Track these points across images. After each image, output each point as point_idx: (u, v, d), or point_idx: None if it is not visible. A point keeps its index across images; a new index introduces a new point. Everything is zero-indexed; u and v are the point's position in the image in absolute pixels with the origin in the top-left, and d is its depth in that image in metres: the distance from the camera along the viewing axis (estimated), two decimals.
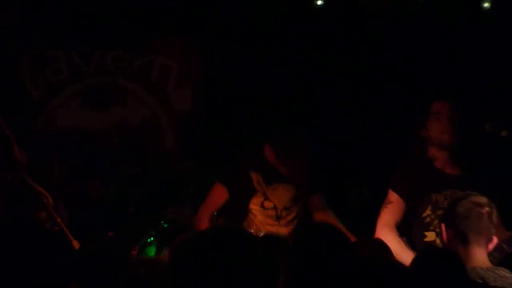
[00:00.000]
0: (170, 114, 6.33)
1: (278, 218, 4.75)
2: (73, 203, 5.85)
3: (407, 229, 4.60)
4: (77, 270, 3.43)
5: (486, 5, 5.88)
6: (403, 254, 3.93)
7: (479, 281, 3.28)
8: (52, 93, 6.26)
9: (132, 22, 6.07)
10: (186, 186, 5.83)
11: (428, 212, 4.58)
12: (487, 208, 3.64)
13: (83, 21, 6.02)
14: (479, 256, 3.43)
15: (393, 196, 4.57)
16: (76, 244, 4.06)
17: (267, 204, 4.71)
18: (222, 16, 6.03)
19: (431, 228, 4.52)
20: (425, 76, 6.05)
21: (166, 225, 5.33)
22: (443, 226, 3.67)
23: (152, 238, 5.28)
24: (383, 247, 4.00)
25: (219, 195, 4.90)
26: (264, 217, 4.69)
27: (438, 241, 4.50)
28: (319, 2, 5.80)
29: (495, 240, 3.63)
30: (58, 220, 4.17)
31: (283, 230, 4.65)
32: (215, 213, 4.76)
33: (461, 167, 4.62)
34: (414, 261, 3.28)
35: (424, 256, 3.35)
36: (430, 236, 4.52)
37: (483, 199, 3.68)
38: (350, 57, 6.08)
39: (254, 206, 4.65)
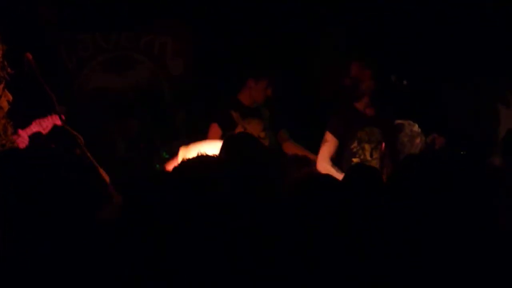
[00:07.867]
0: (168, 77, 6.91)
1: None
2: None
3: (338, 158, 5.32)
4: None
5: None
6: (339, 176, 4.20)
7: None
8: (83, 65, 6.89)
9: (138, 11, 6.58)
10: (180, 129, 6.55)
11: (355, 145, 5.36)
12: (418, 139, 4.34)
13: (103, 11, 6.57)
14: None
15: (329, 136, 5.31)
16: (102, 172, 4.26)
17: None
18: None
19: (357, 156, 5.33)
20: None
21: (167, 156, 5.88)
22: (383, 144, 4.36)
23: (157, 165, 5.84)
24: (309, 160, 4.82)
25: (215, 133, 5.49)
26: None
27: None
28: None
29: None
30: (88, 154, 4.33)
31: None
32: None
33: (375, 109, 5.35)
34: (346, 172, 3.86)
35: (353, 168, 4.03)
36: (356, 161, 5.31)
37: (416, 130, 4.29)
38: None
39: None
